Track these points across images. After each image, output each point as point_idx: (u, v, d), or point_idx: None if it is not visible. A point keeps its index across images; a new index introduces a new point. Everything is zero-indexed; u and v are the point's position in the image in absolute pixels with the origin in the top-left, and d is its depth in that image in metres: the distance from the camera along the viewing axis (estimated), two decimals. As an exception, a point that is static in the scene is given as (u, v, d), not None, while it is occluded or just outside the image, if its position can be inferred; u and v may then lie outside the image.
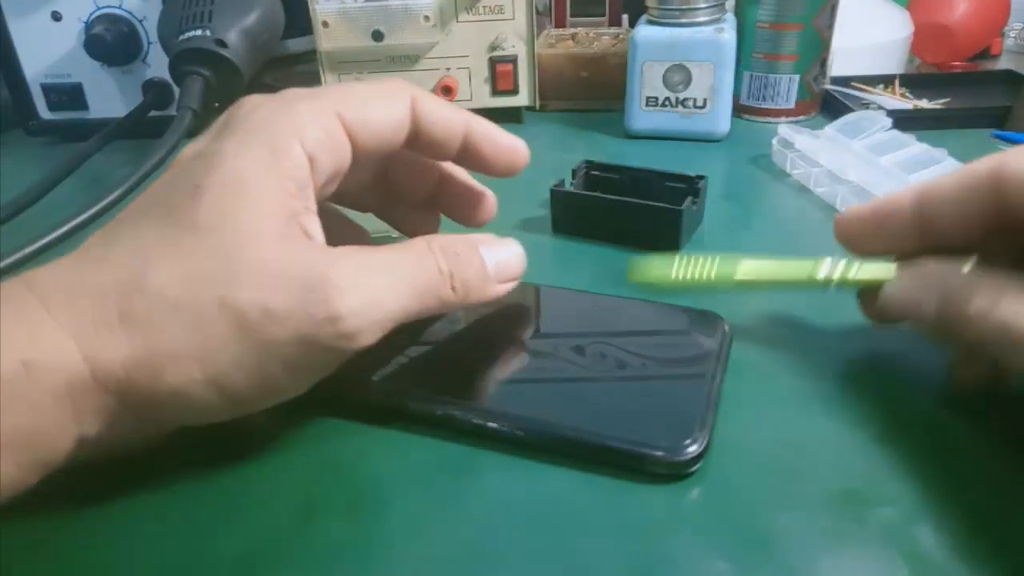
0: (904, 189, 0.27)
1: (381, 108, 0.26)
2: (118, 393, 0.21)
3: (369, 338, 0.23)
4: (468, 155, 0.29)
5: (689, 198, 0.37)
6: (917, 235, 0.26)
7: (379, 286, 0.23)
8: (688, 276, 0.29)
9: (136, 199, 0.24)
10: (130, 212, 0.23)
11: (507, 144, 0.29)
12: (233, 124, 0.24)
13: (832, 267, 0.28)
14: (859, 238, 0.28)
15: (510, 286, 0.28)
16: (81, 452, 0.22)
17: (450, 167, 0.31)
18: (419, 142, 0.28)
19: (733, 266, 0.29)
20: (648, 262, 0.30)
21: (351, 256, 0.23)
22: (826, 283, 0.28)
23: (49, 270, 0.22)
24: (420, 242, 0.25)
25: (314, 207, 0.24)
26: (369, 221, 0.33)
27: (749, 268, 0.29)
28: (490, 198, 0.32)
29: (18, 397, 0.20)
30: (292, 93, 0.25)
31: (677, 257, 0.30)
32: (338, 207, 0.32)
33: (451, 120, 0.28)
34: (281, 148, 0.23)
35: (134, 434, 0.23)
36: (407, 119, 0.27)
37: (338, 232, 0.28)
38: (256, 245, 0.22)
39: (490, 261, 0.27)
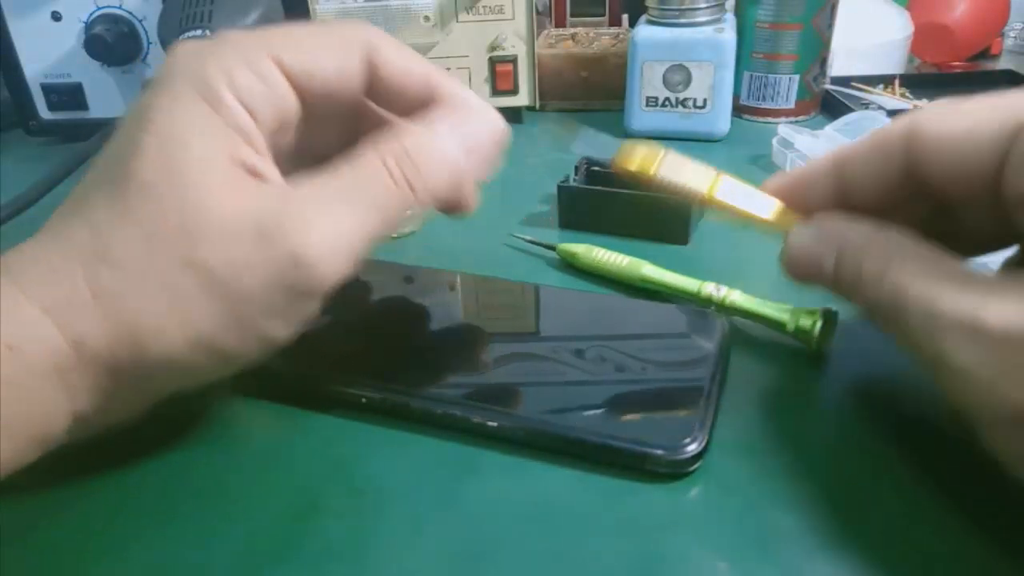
0: (825, 154, 0.26)
1: (330, 57, 0.24)
2: (107, 370, 0.21)
3: (339, 271, 0.22)
4: None
5: None
6: (836, 201, 0.25)
7: (338, 216, 0.22)
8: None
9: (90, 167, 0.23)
10: (82, 181, 0.23)
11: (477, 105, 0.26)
12: (163, 76, 0.23)
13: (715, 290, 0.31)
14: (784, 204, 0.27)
15: (487, 170, 0.25)
16: (82, 426, 0.22)
17: None
18: (376, 92, 0.26)
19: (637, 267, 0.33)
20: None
21: (303, 191, 0.22)
22: (707, 301, 0.31)
23: (18, 253, 0.22)
24: (371, 156, 0.23)
25: (264, 148, 0.23)
26: None
27: (650, 271, 0.33)
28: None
29: (7, 380, 0.20)
30: (227, 36, 0.24)
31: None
32: None
33: (412, 71, 0.25)
34: (212, 97, 0.22)
35: (131, 404, 0.23)
36: (357, 69, 0.25)
37: None
38: (205, 196, 0.21)
39: (451, 148, 0.24)
